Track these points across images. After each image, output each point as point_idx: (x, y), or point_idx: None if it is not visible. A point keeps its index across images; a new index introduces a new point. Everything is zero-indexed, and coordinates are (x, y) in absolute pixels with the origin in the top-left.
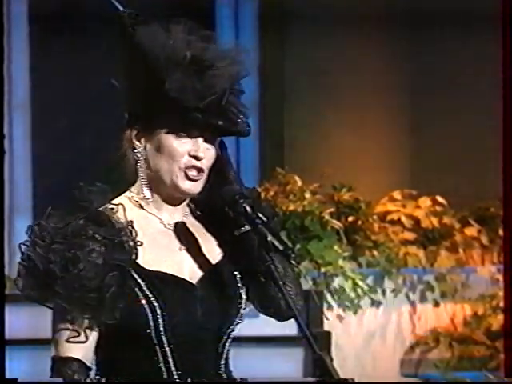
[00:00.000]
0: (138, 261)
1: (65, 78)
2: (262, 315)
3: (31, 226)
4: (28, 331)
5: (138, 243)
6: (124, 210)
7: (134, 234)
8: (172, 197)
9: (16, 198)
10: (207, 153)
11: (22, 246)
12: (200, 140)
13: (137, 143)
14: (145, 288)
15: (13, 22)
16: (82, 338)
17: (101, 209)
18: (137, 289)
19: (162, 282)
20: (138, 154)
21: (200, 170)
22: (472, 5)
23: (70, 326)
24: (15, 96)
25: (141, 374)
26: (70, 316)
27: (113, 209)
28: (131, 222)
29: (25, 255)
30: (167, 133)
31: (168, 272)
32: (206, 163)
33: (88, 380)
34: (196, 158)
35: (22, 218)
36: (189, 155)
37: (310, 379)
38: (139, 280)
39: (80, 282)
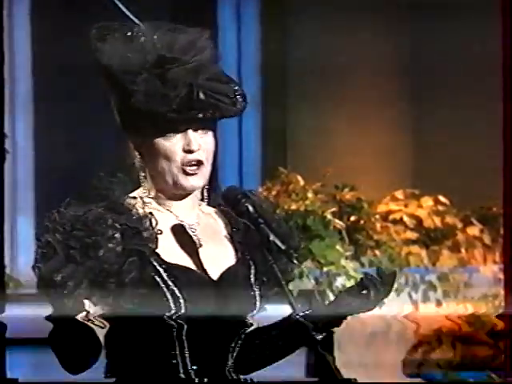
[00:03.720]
0: (159, 252)
1: (68, 77)
2: (262, 314)
3: (49, 214)
4: (28, 331)
5: (158, 231)
6: (143, 202)
7: (153, 222)
8: (177, 195)
9: (18, 198)
10: (202, 142)
11: (40, 233)
12: (190, 132)
13: (135, 153)
14: (167, 279)
15: (15, 21)
16: (100, 323)
17: (121, 200)
18: (159, 279)
19: (183, 275)
20: (140, 162)
21: (199, 163)
22: None
23: (90, 310)
24: (17, 95)
25: (156, 367)
26: (90, 301)
27: (132, 201)
28: (150, 213)
29: (43, 242)
30: (155, 138)
31: (188, 266)
32: (203, 153)
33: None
34: (190, 151)
35: (24, 217)
36: (183, 151)
37: (313, 379)
38: (161, 271)
39: (100, 267)
